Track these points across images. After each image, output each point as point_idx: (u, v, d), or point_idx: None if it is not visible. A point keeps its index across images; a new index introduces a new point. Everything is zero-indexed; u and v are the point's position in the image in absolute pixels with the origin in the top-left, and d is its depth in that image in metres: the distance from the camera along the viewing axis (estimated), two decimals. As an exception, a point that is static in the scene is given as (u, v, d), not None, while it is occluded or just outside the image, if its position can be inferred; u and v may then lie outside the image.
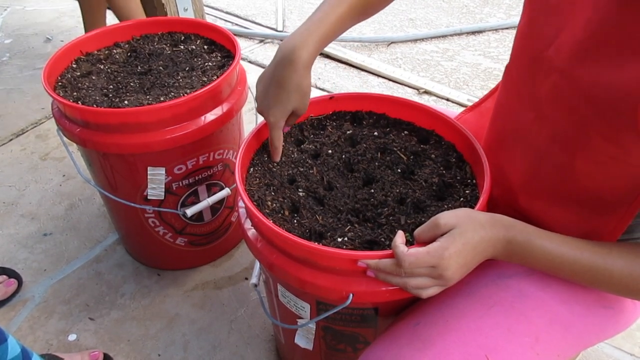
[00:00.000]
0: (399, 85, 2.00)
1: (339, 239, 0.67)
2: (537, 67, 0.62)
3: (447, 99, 1.90)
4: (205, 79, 1.06)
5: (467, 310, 0.65)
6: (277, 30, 2.36)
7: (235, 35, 1.13)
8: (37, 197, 1.50)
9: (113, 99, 1.01)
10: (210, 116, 1.00)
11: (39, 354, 0.87)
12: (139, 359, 1.10)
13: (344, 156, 0.81)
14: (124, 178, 1.06)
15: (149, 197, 1.06)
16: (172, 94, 1.01)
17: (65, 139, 1.04)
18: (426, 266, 0.57)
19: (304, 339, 0.82)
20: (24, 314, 1.19)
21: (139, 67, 1.11)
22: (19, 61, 2.14)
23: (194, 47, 1.17)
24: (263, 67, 2.09)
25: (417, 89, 1.96)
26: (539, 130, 0.63)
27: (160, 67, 1.10)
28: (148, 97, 1.01)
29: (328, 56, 2.16)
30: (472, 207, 0.69)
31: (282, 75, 0.70)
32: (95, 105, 0.98)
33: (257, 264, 0.83)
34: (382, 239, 0.66)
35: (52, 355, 1.03)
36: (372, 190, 0.75)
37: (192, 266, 1.29)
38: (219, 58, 1.13)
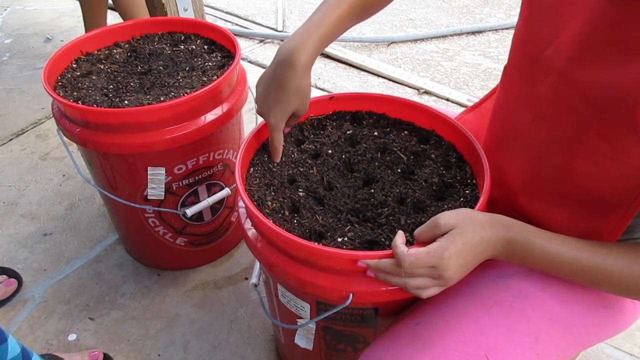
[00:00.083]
0: (399, 85, 2.00)
1: (339, 239, 0.67)
2: (535, 68, 0.62)
3: (447, 99, 1.90)
4: (205, 79, 1.06)
5: (467, 310, 0.65)
6: (277, 30, 2.36)
7: (235, 35, 1.13)
8: (37, 197, 1.50)
9: (113, 99, 1.01)
10: (210, 116, 1.00)
11: (39, 354, 0.87)
12: (139, 359, 1.10)
13: (344, 156, 0.81)
14: (124, 178, 1.06)
15: (149, 197, 1.06)
16: (172, 94, 1.01)
17: (65, 138, 1.04)
18: (426, 266, 0.57)
19: (304, 339, 0.82)
20: (24, 313, 1.19)
21: (139, 67, 1.11)
22: (19, 61, 2.14)
23: (194, 47, 1.17)
24: (263, 67, 2.09)
25: (417, 89, 1.96)
26: (538, 130, 0.63)
27: (161, 67, 1.10)
28: (148, 97, 1.01)
29: (328, 56, 2.16)
30: (472, 207, 0.69)
31: (281, 77, 0.70)
32: (95, 105, 0.98)
33: (257, 264, 0.83)
34: (382, 239, 0.66)
35: (52, 355, 1.04)
36: (372, 190, 0.75)
37: (192, 266, 1.29)
38: (219, 58, 1.13)
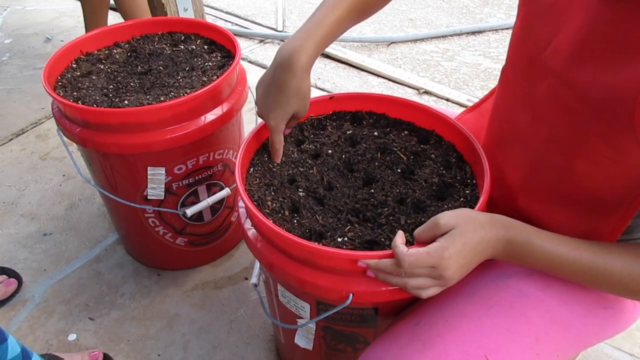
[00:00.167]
0: (399, 85, 2.00)
1: (339, 239, 0.67)
2: (533, 69, 0.62)
3: (447, 99, 1.90)
4: (205, 78, 1.06)
5: (467, 310, 0.65)
6: (277, 30, 2.36)
7: (235, 35, 1.13)
8: (37, 197, 1.50)
9: (113, 99, 1.01)
10: (210, 116, 1.00)
11: (39, 354, 0.87)
12: (139, 359, 1.10)
13: (344, 156, 0.81)
14: (124, 178, 1.06)
15: (149, 197, 1.06)
16: (172, 94, 1.01)
17: (65, 138, 1.04)
18: (426, 266, 0.57)
19: (303, 339, 0.82)
20: (23, 313, 1.19)
21: (139, 67, 1.11)
22: (19, 61, 2.14)
23: (194, 47, 1.17)
24: (263, 67, 2.09)
25: (417, 89, 1.96)
26: (537, 131, 0.63)
27: (161, 67, 1.10)
28: (148, 97, 1.01)
29: (328, 56, 2.16)
30: (472, 207, 0.69)
31: (281, 79, 0.70)
32: (95, 105, 0.98)
33: (257, 264, 0.83)
34: (382, 239, 0.66)
35: (52, 355, 1.04)
36: (372, 190, 0.75)
37: (192, 266, 1.29)
38: (219, 58, 1.13)
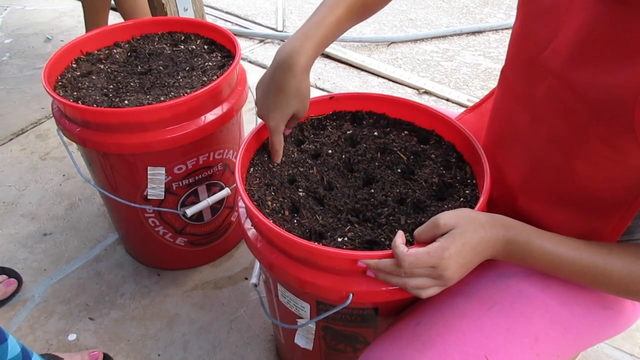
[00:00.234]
0: (399, 85, 2.00)
1: (339, 239, 0.67)
2: (532, 70, 0.62)
3: (447, 99, 1.90)
4: (205, 78, 1.06)
5: (467, 310, 0.65)
6: (277, 30, 2.36)
7: (235, 35, 1.13)
8: (37, 197, 1.50)
9: (113, 99, 1.01)
10: (210, 116, 1.00)
11: (39, 354, 0.87)
12: (139, 358, 1.10)
13: (344, 156, 0.81)
14: (124, 178, 1.06)
15: (149, 197, 1.06)
16: (172, 93, 1.01)
17: (65, 138, 1.04)
18: (426, 266, 0.57)
19: (303, 339, 0.82)
20: (23, 313, 1.19)
21: (139, 67, 1.11)
22: (19, 61, 2.14)
23: (194, 47, 1.17)
24: (263, 67, 2.09)
25: (417, 89, 1.96)
26: (536, 132, 0.63)
27: (161, 67, 1.10)
28: (148, 97, 1.01)
29: (328, 56, 2.16)
30: (472, 208, 0.69)
31: (280, 80, 0.70)
32: (95, 105, 0.98)
33: (257, 264, 0.83)
34: (382, 239, 0.66)
35: (52, 355, 1.04)
36: (372, 190, 0.75)
37: (192, 266, 1.29)
38: (219, 58, 1.13)
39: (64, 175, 1.58)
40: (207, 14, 2.43)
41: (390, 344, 0.64)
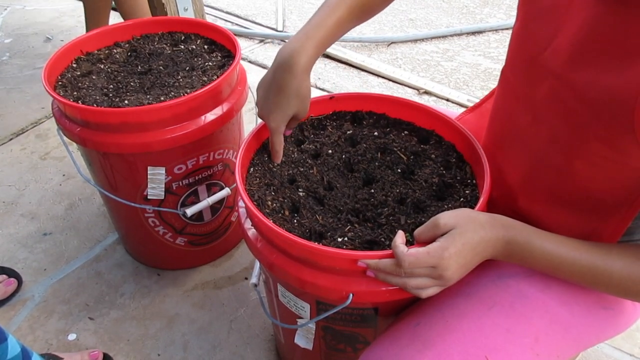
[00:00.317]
0: (399, 85, 2.00)
1: (339, 239, 0.67)
2: (532, 71, 0.62)
3: (447, 100, 1.90)
4: (205, 78, 1.06)
5: (467, 310, 0.65)
6: (277, 30, 2.36)
7: (235, 35, 1.13)
8: (37, 197, 1.50)
9: (113, 99, 1.01)
10: (211, 116, 1.00)
11: (39, 354, 0.87)
12: (139, 358, 1.10)
13: (344, 156, 0.81)
14: (124, 178, 1.06)
15: (149, 197, 1.06)
16: (172, 93, 1.01)
17: (65, 138, 1.04)
18: (426, 266, 0.57)
19: (303, 339, 0.82)
20: (23, 313, 1.19)
21: (139, 67, 1.11)
22: (19, 61, 2.14)
23: (194, 46, 1.17)
24: (263, 67, 2.09)
25: (417, 89, 1.96)
26: (537, 132, 0.63)
27: (161, 67, 1.10)
28: (148, 96, 1.01)
29: (328, 56, 2.16)
30: (472, 208, 0.69)
31: (281, 80, 0.70)
32: (95, 105, 0.98)
33: (257, 264, 0.83)
34: (382, 239, 0.66)
35: (52, 354, 1.04)
36: (372, 190, 0.75)
37: (192, 266, 1.29)
38: (219, 58, 1.13)
39: (64, 175, 1.58)
40: (207, 14, 2.43)
41: (390, 344, 0.64)
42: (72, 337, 1.14)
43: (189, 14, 1.52)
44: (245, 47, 2.24)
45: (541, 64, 0.60)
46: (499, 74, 0.73)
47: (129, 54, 1.16)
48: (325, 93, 1.94)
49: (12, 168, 1.61)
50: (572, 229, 0.63)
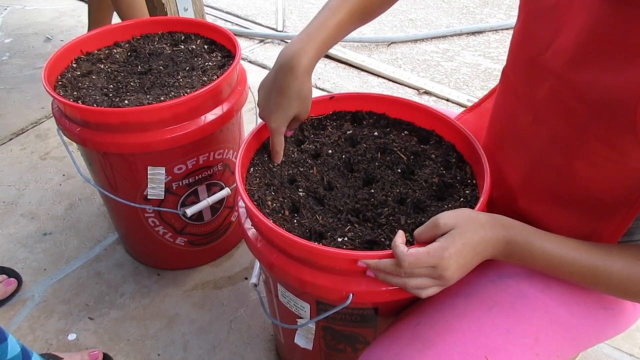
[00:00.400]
0: (399, 85, 2.00)
1: (339, 239, 0.67)
2: (533, 71, 0.62)
3: (447, 100, 1.90)
4: (205, 78, 1.06)
5: (467, 310, 0.65)
6: (277, 30, 2.36)
7: (235, 35, 1.13)
8: (37, 197, 1.50)
9: (113, 99, 1.01)
10: (211, 116, 1.00)
11: (39, 354, 0.87)
12: (139, 358, 1.10)
13: (344, 156, 0.81)
14: (124, 178, 1.06)
15: (149, 197, 1.06)
16: (172, 93, 1.01)
17: (65, 138, 1.04)
18: (426, 266, 0.57)
19: (303, 339, 0.82)
20: (23, 313, 1.19)
21: (139, 67, 1.11)
22: (19, 60, 2.14)
23: (194, 46, 1.17)
24: (263, 67, 2.09)
25: (417, 90, 1.96)
26: (537, 132, 0.63)
27: (161, 67, 1.10)
28: (148, 96, 1.01)
29: (328, 56, 2.16)
30: (472, 208, 0.69)
31: (282, 81, 0.70)
32: (95, 105, 0.98)
33: (257, 264, 0.83)
34: (382, 239, 0.66)
35: (52, 354, 1.04)
36: (372, 190, 0.75)
37: (192, 266, 1.29)
38: (219, 58, 1.13)
39: (64, 175, 1.58)
40: (207, 14, 2.43)
41: (390, 344, 0.64)
42: (72, 337, 1.14)
43: (189, 14, 1.52)
44: (245, 47, 2.24)
45: (542, 64, 0.60)
46: (499, 74, 0.73)
47: (129, 54, 1.16)
48: (325, 93, 1.94)
49: (12, 168, 1.61)
50: (572, 229, 0.63)
